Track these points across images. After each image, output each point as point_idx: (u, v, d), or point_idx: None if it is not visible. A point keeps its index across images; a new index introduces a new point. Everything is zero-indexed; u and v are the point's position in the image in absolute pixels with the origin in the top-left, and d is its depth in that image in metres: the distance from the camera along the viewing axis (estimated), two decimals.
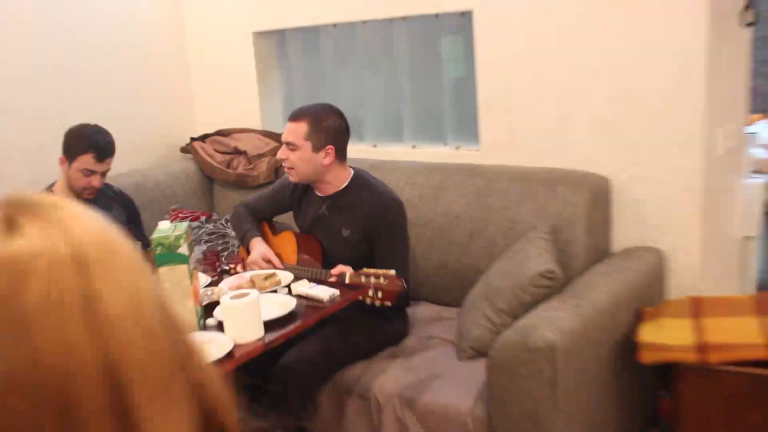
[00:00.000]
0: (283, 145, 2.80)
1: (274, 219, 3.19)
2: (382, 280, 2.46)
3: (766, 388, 2.54)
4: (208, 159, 4.02)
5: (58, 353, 0.67)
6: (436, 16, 3.49)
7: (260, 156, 3.88)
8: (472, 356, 2.72)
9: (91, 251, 0.72)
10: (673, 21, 2.91)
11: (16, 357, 0.67)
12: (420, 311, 3.15)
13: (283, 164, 2.87)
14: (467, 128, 3.54)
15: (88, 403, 0.68)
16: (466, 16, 3.39)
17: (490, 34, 3.29)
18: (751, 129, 3.75)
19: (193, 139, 4.18)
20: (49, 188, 3.09)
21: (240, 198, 3.47)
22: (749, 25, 3.17)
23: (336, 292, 2.45)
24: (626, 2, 3.00)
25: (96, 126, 3.04)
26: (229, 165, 3.96)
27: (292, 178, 2.87)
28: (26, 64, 3.57)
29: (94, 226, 0.74)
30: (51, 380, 0.67)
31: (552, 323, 2.43)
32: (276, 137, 3.92)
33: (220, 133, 4.12)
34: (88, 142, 2.97)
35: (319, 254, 2.87)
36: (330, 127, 2.77)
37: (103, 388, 0.69)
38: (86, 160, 2.96)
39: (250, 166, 3.88)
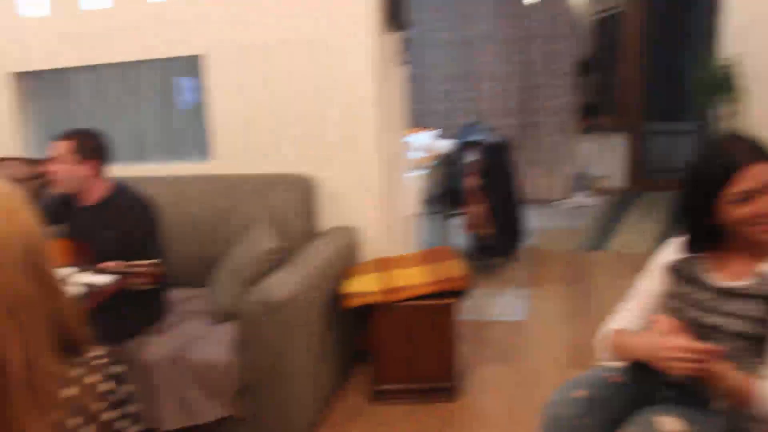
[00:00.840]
0: (52, 160, 2.73)
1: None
2: (145, 268, 2.46)
3: (428, 314, 2.91)
4: None
5: None
6: (172, 59, 3.55)
7: (23, 180, 3.63)
8: (224, 320, 2.80)
9: None
10: (352, 62, 3.22)
11: None
12: (176, 294, 3.13)
13: (51, 176, 2.78)
14: (202, 147, 3.62)
15: None
16: (197, 59, 3.48)
17: (216, 73, 3.41)
18: (408, 138, 4.33)
19: None
20: None
21: None
22: (404, 64, 3.70)
23: (113, 278, 2.44)
24: (318, 50, 3.25)
25: None
26: None
27: (59, 189, 2.80)
28: None
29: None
30: None
31: (283, 284, 2.61)
32: (36, 163, 3.75)
33: None
34: None
35: (88, 255, 2.80)
36: (92, 146, 2.76)
37: None
38: None
39: None
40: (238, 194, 3.28)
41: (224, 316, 2.83)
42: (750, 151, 1.63)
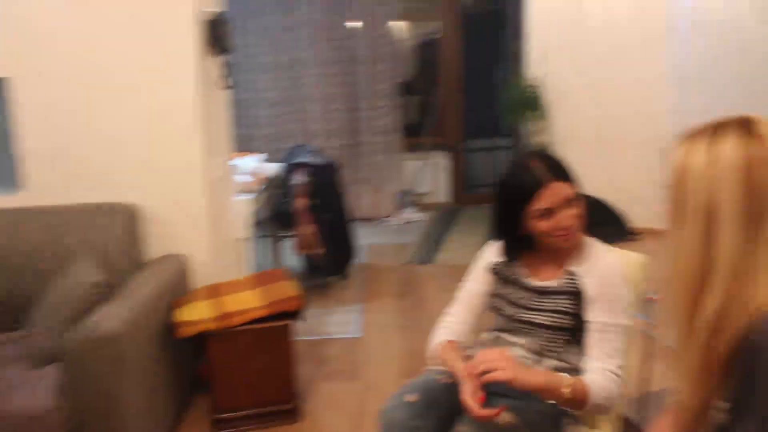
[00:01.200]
0: None
1: None
2: None
3: (264, 337, 2.93)
4: None
5: None
6: None
7: None
8: (43, 364, 2.63)
9: None
10: (174, 86, 3.19)
11: None
12: None
13: None
14: (8, 177, 3.35)
15: None
16: (2, 82, 3.25)
17: (24, 97, 3.22)
18: (234, 162, 4.32)
19: None
20: None
21: None
22: (228, 88, 3.69)
23: None
24: (138, 72, 3.18)
25: None
26: None
27: None
28: None
29: None
30: None
31: (110, 317, 2.50)
32: None
33: None
34: None
35: None
36: None
37: None
38: None
39: None
40: (54, 227, 3.11)
41: (44, 359, 2.66)
42: (549, 170, 1.84)
